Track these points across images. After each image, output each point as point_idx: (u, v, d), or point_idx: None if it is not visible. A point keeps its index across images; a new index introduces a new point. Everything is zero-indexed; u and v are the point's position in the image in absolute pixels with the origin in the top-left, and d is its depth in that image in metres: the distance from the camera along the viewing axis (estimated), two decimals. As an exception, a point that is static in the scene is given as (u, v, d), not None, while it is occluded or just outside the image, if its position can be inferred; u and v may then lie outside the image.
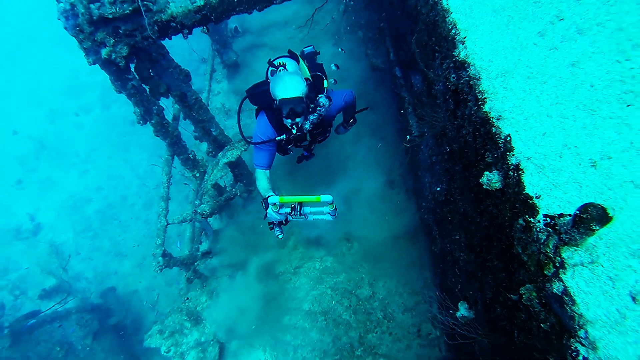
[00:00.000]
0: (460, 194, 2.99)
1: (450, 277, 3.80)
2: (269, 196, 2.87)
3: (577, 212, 1.34)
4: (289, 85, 2.92)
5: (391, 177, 5.79)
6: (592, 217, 1.29)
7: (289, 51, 3.65)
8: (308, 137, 3.42)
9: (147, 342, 5.82)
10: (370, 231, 5.55)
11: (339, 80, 5.38)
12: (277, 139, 3.19)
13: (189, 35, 3.89)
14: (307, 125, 3.14)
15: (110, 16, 3.36)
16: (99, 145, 10.87)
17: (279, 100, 2.93)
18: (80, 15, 3.38)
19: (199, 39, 7.43)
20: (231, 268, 5.83)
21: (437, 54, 2.83)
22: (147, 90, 4.31)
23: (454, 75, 2.42)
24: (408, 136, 3.66)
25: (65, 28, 3.49)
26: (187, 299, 5.84)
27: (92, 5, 3.37)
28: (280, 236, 2.97)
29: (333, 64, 4.93)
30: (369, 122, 6.00)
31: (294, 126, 3.07)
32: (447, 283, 3.97)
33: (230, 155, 5.22)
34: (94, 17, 3.38)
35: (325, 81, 3.53)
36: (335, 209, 2.84)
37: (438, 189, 3.68)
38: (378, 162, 5.80)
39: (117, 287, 8.13)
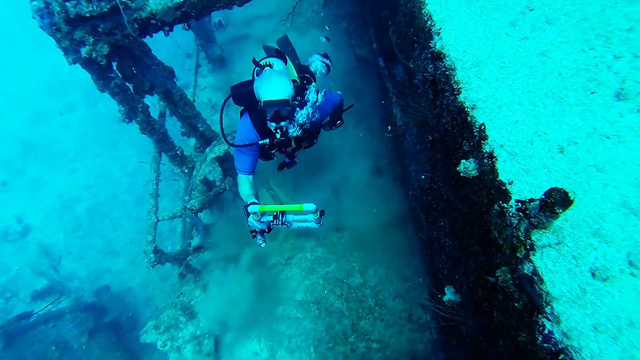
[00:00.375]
0: (442, 181, 3.07)
1: (438, 263, 3.90)
2: (250, 203, 2.79)
3: (543, 196, 1.41)
4: (275, 86, 2.74)
5: (379, 165, 5.86)
6: (556, 201, 1.37)
7: (276, 50, 3.47)
8: (293, 143, 3.23)
9: (143, 337, 5.88)
10: (359, 220, 5.63)
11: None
12: (260, 143, 3.04)
13: (170, 33, 3.87)
14: (292, 131, 2.95)
15: (88, 14, 3.34)
16: (87, 144, 10.78)
17: (264, 102, 2.75)
18: (56, 14, 3.35)
19: (184, 34, 7.36)
20: (223, 261, 5.88)
21: (416, 45, 2.88)
22: (131, 88, 4.30)
23: (431, 66, 2.48)
24: (390, 127, 3.71)
25: (41, 27, 3.45)
26: (181, 293, 5.90)
27: (68, 4, 3.34)
28: (262, 245, 2.83)
29: (323, 36, 4.90)
30: (356, 112, 6.04)
31: (278, 130, 2.91)
32: (435, 268, 4.08)
33: (217, 150, 5.24)
34: (71, 16, 3.35)
35: (313, 84, 3.31)
36: (321, 215, 2.74)
37: (423, 177, 3.76)
38: (365, 151, 5.86)
39: (111, 285, 8.15)
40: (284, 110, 2.78)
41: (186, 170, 5.58)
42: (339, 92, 3.63)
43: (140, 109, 4.41)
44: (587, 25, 1.99)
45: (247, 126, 3.09)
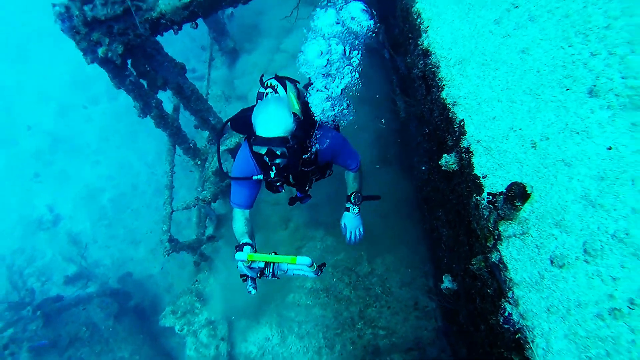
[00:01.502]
0: (437, 173, 3.16)
1: (438, 252, 4.01)
2: (242, 244, 2.52)
3: (505, 190, 1.52)
4: (271, 121, 2.37)
5: (387, 155, 5.94)
6: (515, 195, 1.47)
7: (276, 76, 2.99)
8: (292, 179, 2.86)
9: (162, 322, 6.22)
10: (367, 209, 5.74)
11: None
12: (253, 178, 2.63)
13: (179, 31, 4.05)
14: (291, 169, 2.58)
15: (103, 17, 3.54)
16: (109, 136, 11.22)
17: (256, 137, 2.40)
18: (75, 18, 3.58)
19: (199, 26, 7.59)
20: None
21: (410, 40, 2.96)
22: (145, 84, 4.52)
23: (422, 62, 2.57)
24: (383, 120, 3.80)
25: (63, 30, 3.69)
26: (196, 280, 6.19)
27: (85, 7, 3.56)
28: (253, 292, 2.45)
29: None
30: (367, 101, 6.11)
31: (274, 168, 2.48)
32: (437, 257, 4.19)
33: (229, 142, 5.45)
34: (88, 19, 3.57)
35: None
36: (322, 265, 2.43)
37: (423, 168, 3.86)
38: (373, 140, 5.94)
39: (133, 272, 8.57)
40: (278, 148, 2.41)
41: (199, 162, 5.81)
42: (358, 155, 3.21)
43: (154, 104, 4.63)
44: (568, 22, 2.04)
45: (245, 156, 2.73)
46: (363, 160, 5.72)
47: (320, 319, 5.51)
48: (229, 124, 2.84)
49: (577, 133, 1.76)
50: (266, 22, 8.27)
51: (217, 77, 8.81)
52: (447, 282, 3.38)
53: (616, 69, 1.81)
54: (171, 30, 4.16)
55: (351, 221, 3.32)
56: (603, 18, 1.96)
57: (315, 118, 2.74)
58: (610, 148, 1.65)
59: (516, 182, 1.47)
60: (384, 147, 5.90)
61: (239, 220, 2.77)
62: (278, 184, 2.76)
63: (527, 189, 1.43)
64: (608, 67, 1.83)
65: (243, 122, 2.64)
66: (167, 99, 5.29)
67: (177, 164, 6.88)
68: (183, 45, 10.14)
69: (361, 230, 3.24)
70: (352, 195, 3.24)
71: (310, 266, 2.29)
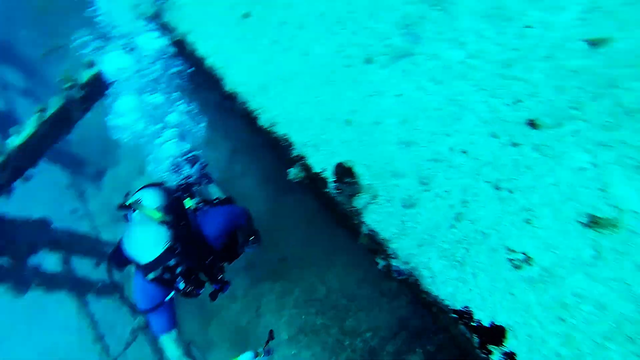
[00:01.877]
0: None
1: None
2: None
3: (334, 173, 1.70)
4: (143, 245, 2.22)
5: (282, 185, 6.09)
6: (341, 173, 1.65)
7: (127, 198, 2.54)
8: (204, 276, 2.65)
9: None
10: (290, 239, 5.82)
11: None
12: (166, 300, 2.46)
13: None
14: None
15: None
16: (10, 332, 9.90)
17: (144, 266, 2.20)
18: None
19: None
20: (202, 351, 5.79)
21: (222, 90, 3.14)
22: (9, 260, 4.11)
23: (237, 102, 2.74)
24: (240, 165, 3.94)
25: None
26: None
27: None
28: None
29: None
30: (236, 150, 6.23)
31: (179, 278, 2.33)
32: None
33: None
34: None
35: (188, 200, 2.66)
36: (269, 340, 2.43)
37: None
38: (260, 180, 6.06)
39: None
40: (170, 260, 2.27)
41: (119, 296, 5.42)
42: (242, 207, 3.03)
43: (30, 274, 4.23)
44: (326, 18, 2.39)
45: (143, 285, 2.45)
46: (260, 202, 5.81)
47: (312, 359, 5.41)
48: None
49: (373, 95, 2.04)
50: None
51: (97, 206, 8.30)
52: (381, 262, 3.57)
53: (372, 36, 2.15)
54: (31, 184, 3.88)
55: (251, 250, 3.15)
56: (345, 5, 2.32)
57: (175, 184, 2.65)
58: (399, 95, 1.94)
59: (338, 163, 1.65)
60: (274, 181, 6.05)
61: (170, 346, 2.55)
62: (192, 289, 2.51)
63: (345, 164, 1.61)
64: (367, 38, 2.17)
65: (124, 257, 2.33)
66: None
67: (107, 306, 6.29)
68: (49, 193, 9.39)
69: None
70: (250, 240, 3.02)
71: (257, 355, 2.29)
